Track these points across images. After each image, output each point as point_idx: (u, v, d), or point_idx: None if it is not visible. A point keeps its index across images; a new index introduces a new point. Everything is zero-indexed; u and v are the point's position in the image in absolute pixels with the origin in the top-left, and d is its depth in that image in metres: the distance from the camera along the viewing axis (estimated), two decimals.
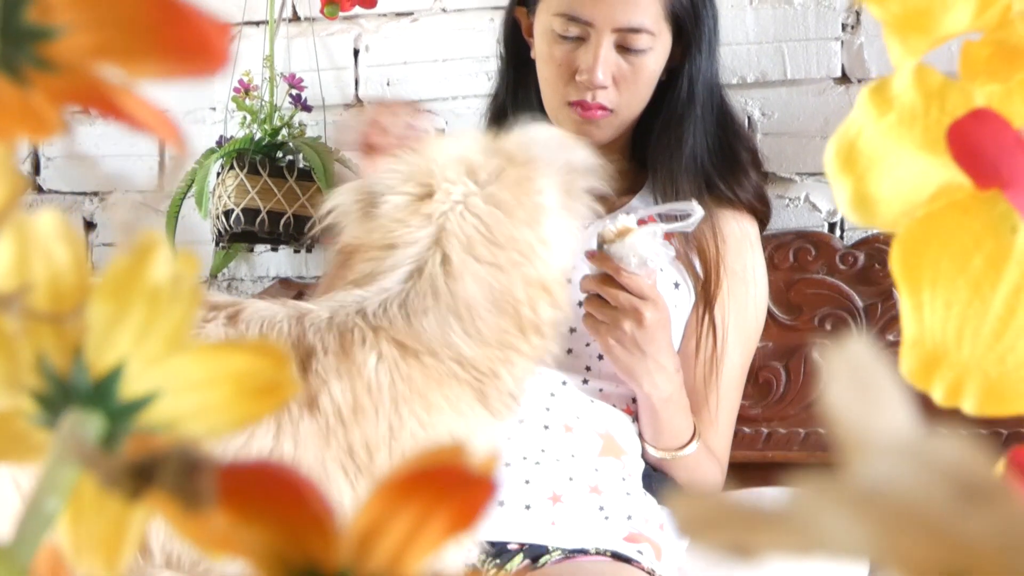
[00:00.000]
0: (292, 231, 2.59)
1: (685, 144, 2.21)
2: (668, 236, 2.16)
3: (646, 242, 1.92)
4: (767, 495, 2.14)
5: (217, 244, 2.66)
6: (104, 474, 0.32)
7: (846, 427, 0.24)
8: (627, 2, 2.14)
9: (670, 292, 2.16)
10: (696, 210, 1.97)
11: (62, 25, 0.33)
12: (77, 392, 0.37)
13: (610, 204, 2.28)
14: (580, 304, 2.08)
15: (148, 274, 0.36)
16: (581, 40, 2.16)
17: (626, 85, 2.17)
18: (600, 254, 1.94)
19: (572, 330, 2.06)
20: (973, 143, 0.56)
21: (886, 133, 0.57)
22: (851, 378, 0.24)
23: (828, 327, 2.40)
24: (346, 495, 1.44)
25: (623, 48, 2.15)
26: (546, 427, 2.00)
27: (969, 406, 0.59)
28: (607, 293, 1.94)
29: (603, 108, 2.17)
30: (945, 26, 0.59)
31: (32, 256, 0.37)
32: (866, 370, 0.24)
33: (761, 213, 2.30)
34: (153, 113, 0.33)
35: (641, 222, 1.98)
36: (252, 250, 2.81)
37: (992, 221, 0.57)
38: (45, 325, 0.37)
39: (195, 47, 0.31)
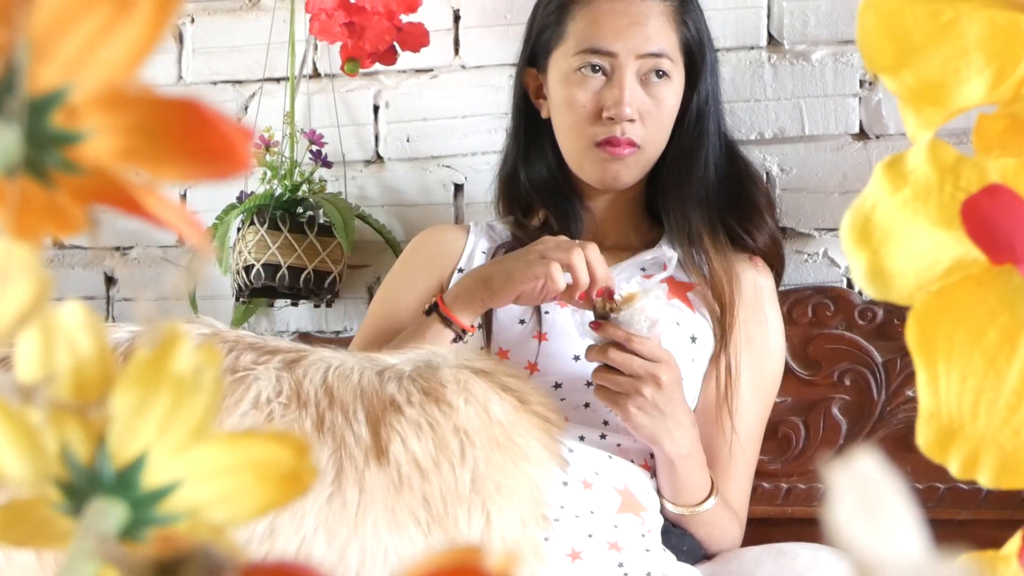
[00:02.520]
0: (312, 286, 2.60)
1: (695, 179, 2.23)
2: (677, 295, 2.18)
3: (654, 304, 1.92)
4: (786, 551, 2.13)
5: (237, 299, 2.67)
6: (128, 571, 0.32)
7: (854, 550, 0.24)
8: (648, 29, 2.17)
9: (687, 346, 2.16)
10: (669, 252, 1.99)
11: (87, 130, 0.33)
12: (101, 481, 0.38)
13: (627, 258, 2.29)
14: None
15: (171, 366, 0.36)
16: (604, 79, 2.17)
17: (650, 119, 2.19)
18: (609, 324, 1.93)
19: (588, 383, 2.06)
20: (987, 219, 0.57)
21: (901, 208, 0.58)
22: (858, 498, 0.24)
23: (847, 382, 2.40)
24: (417, 544, 1.43)
25: (645, 82, 2.17)
26: (565, 483, 1.99)
27: (985, 479, 0.59)
28: (620, 362, 1.93)
29: (632, 144, 2.18)
30: (960, 99, 0.60)
31: (56, 347, 0.38)
32: (873, 489, 0.25)
33: (776, 259, 2.31)
34: (177, 212, 0.33)
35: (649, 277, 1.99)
36: (272, 305, 2.81)
37: (1007, 295, 0.57)
38: (69, 415, 0.37)
39: (219, 152, 0.32)
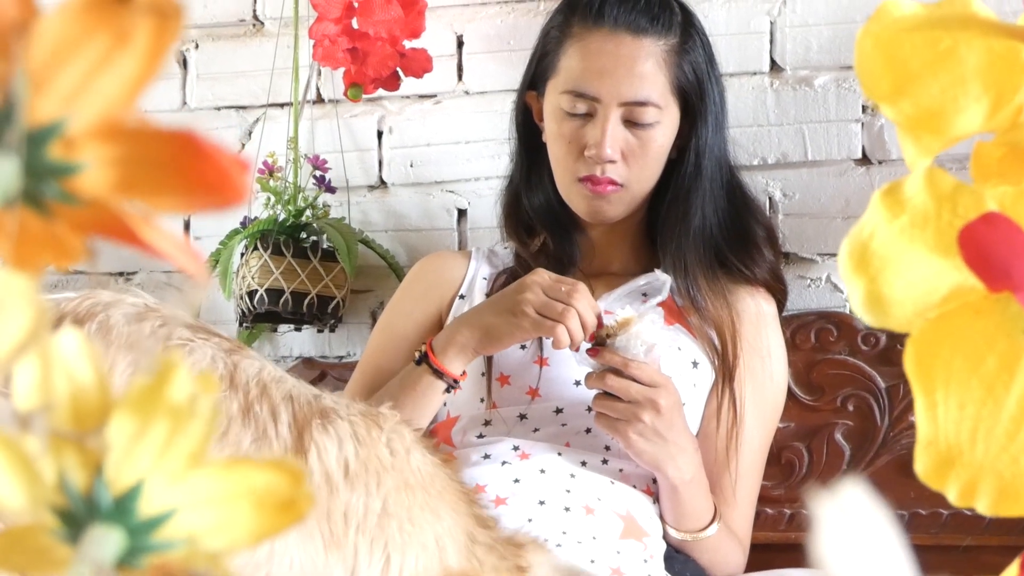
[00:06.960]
0: (316, 311, 2.60)
1: (692, 218, 2.21)
2: (679, 320, 2.18)
3: (650, 328, 1.92)
4: None
5: (241, 324, 2.67)
6: None
7: None
8: (633, 76, 2.15)
9: (688, 371, 2.15)
10: (663, 277, 1.99)
11: (85, 161, 0.34)
12: (98, 509, 0.38)
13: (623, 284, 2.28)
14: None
15: (168, 394, 0.37)
16: (589, 116, 2.16)
17: (635, 159, 2.17)
18: (606, 350, 1.93)
19: (590, 409, 2.05)
20: (984, 246, 0.57)
21: (899, 235, 0.58)
22: (845, 527, 0.24)
23: (850, 408, 2.40)
24: (318, 561, 1.40)
25: (630, 122, 2.16)
26: (567, 509, 1.99)
27: (983, 507, 0.59)
28: (618, 388, 1.93)
29: (613, 183, 2.17)
30: (958, 127, 0.60)
31: (54, 375, 0.38)
32: (860, 518, 0.25)
33: (777, 291, 2.30)
34: (175, 242, 0.34)
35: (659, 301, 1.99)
36: (276, 330, 2.81)
37: (1004, 323, 0.57)
38: (67, 443, 0.37)
39: (215, 183, 0.32)
